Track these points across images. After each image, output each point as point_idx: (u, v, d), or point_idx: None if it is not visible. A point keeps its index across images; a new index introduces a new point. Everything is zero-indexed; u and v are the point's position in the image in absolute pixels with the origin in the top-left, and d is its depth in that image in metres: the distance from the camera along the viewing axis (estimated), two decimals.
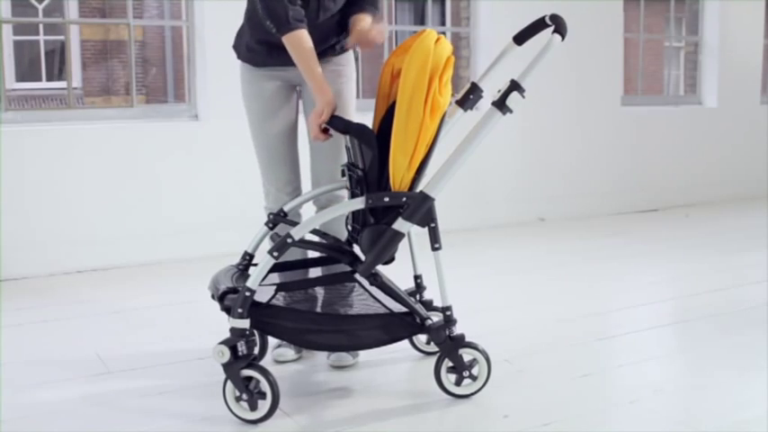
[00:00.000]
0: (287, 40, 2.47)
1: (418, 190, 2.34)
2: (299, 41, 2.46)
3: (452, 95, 2.41)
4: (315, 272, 2.78)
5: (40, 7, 14.36)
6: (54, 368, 2.73)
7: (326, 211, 2.37)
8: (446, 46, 2.33)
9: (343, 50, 2.73)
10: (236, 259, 2.63)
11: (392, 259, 2.43)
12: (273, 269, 2.53)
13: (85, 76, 14.86)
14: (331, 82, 2.62)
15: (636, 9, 6.18)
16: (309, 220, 2.33)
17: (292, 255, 2.68)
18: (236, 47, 2.77)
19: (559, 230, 5.20)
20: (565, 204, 5.59)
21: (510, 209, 5.36)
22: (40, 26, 14.69)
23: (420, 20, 13.28)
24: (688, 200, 6.18)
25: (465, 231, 4.98)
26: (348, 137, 2.47)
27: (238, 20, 2.75)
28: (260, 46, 2.65)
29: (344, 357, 2.71)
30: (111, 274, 4.04)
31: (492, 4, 5.19)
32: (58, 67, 15.27)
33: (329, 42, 2.66)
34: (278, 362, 2.73)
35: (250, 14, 2.65)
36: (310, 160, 2.76)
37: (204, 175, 4.36)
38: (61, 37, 14.13)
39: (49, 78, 15.08)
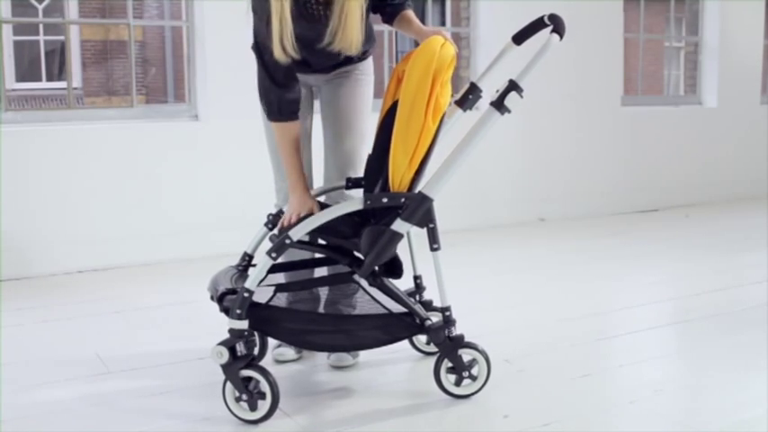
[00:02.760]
0: (274, 126, 2.49)
1: (417, 190, 2.34)
2: (283, 133, 2.47)
3: (452, 96, 2.41)
4: (316, 272, 2.78)
5: (40, 7, 14.37)
6: (54, 368, 2.73)
7: (326, 211, 2.37)
8: (450, 49, 2.32)
9: (363, 58, 2.73)
10: (237, 259, 2.63)
11: (400, 270, 2.43)
12: (275, 269, 2.54)
13: (85, 76, 14.87)
14: (350, 88, 2.65)
15: (636, 9, 6.18)
16: (309, 220, 2.32)
17: (299, 254, 2.68)
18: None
19: (559, 230, 5.20)
20: (565, 204, 5.59)
21: (510, 209, 5.36)
22: (40, 26, 14.71)
23: (420, 20, 13.27)
24: (688, 200, 6.18)
25: (465, 231, 4.98)
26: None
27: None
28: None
29: (344, 357, 2.71)
30: (111, 274, 4.04)
31: (492, 4, 5.19)
32: (58, 67, 15.28)
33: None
34: (278, 362, 2.73)
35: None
36: (324, 158, 2.76)
37: (204, 176, 4.37)
38: (61, 37, 14.14)
39: (49, 78, 15.09)
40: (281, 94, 2.44)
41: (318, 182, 2.80)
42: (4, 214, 3.92)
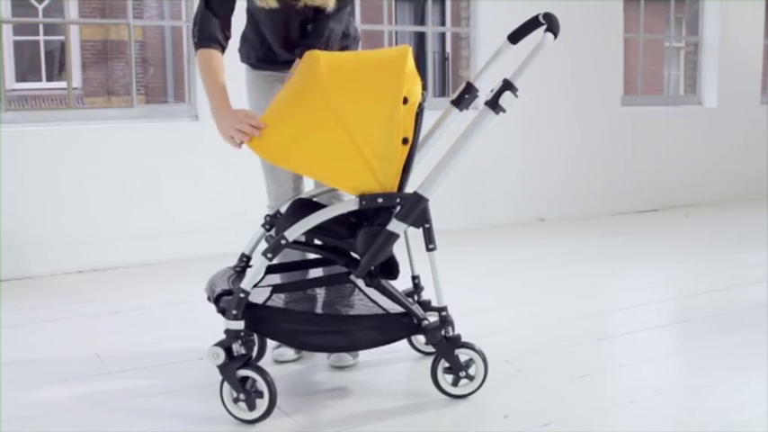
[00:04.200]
0: (198, 55, 2.48)
1: (412, 190, 2.33)
2: (204, 59, 2.47)
3: (425, 90, 2.39)
4: (313, 273, 2.78)
5: (40, 7, 14.37)
6: (54, 368, 2.73)
7: (321, 212, 2.35)
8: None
9: None
10: (236, 260, 2.63)
11: (396, 271, 2.42)
12: (272, 270, 2.54)
13: (85, 76, 14.87)
14: None
15: (636, 9, 6.18)
16: (305, 221, 2.31)
17: (296, 254, 2.68)
18: (240, 50, 2.78)
19: (559, 230, 5.20)
20: (565, 204, 5.59)
21: (510, 209, 5.36)
22: (40, 26, 14.70)
23: (420, 20, 13.27)
24: (688, 200, 6.18)
25: (464, 231, 4.98)
26: None
27: (237, 20, 2.75)
28: (266, 53, 2.68)
29: (345, 357, 2.71)
30: (111, 274, 4.04)
31: (492, 4, 5.19)
32: (57, 67, 15.28)
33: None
34: (278, 362, 2.73)
35: (253, 25, 2.69)
36: None
37: (204, 176, 4.37)
38: (61, 37, 14.14)
39: (49, 78, 15.09)
40: (209, 18, 2.47)
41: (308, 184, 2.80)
42: (4, 214, 3.93)
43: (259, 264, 2.27)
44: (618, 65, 5.78)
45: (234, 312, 2.25)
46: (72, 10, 13.85)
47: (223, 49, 2.50)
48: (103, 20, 15.59)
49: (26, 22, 17.11)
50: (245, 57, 2.76)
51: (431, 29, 5.49)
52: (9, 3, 6.01)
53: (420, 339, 2.81)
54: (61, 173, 4.05)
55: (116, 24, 15.00)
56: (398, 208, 2.30)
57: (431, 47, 5.67)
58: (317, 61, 2.25)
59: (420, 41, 12.43)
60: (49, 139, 4.05)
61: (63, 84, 14.64)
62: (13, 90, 13.98)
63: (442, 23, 12.89)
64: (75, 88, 14.25)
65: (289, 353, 2.76)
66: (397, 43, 13.13)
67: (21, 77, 14.69)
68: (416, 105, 2.26)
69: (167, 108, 7.20)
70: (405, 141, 2.25)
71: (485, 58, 5.22)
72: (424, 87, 2.33)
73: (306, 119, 2.23)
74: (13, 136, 3.96)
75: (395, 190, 2.29)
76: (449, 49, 13.31)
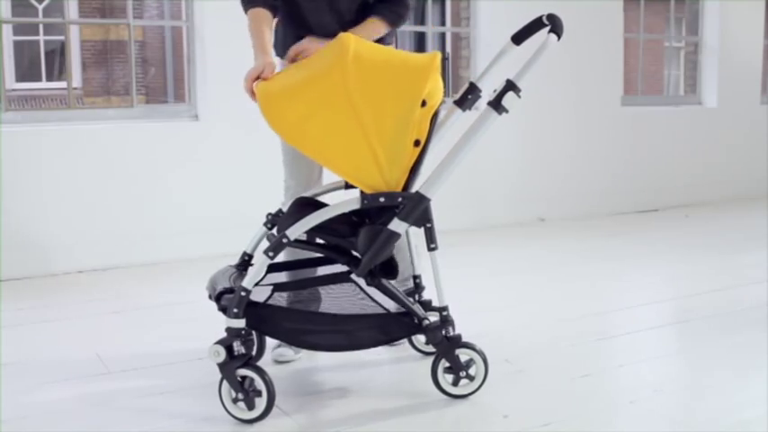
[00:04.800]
0: (249, 15, 2.56)
1: (414, 190, 2.33)
2: (254, 18, 2.55)
3: (445, 94, 2.40)
4: (315, 271, 2.78)
5: (40, 7, 14.37)
6: (54, 368, 2.73)
7: (323, 210, 2.35)
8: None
9: None
10: (236, 259, 2.63)
11: (396, 270, 2.42)
12: (274, 269, 2.54)
13: (85, 76, 14.87)
14: None
15: (636, 9, 6.18)
16: (306, 219, 2.30)
17: (300, 254, 2.68)
18: (275, 46, 2.77)
19: (559, 230, 5.20)
20: (565, 204, 5.59)
21: (510, 209, 5.36)
22: (40, 26, 14.70)
23: (420, 20, 13.28)
24: (688, 200, 6.18)
25: (464, 231, 4.98)
26: None
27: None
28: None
29: (286, 353, 2.73)
30: (111, 274, 4.04)
31: (492, 4, 5.19)
32: (57, 67, 15.28)
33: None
34: (277, 362, 2.73)
35: (288, 15, 2.69)
36: None
37: (204, 176, 4.36)
38: (61, 37, 14.14)
39: (49, 78, 15.09)
40: None
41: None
42: (4, 214, 3.92)
43: (260, 262, 2.27)
44: (618, 65, 5.78)
45: (235, 311, 2.25)
46: (72, 10, 13.86)
47: (271, 7, 2.56)
48: (103, 20, 15.59)
49: (26, 22, 17.11)
50: (282, 51, 2.73)
51: (431, 29, 5.48)
52: (9, 3, 6.02)
53: (420, 339, 2.81)
54: (61, 173, 4.05)
55: (116, 24, 15.00)
56: (400, 207, 2.30)
57: (431, 47, 5.67)
58: (346, 44, 2.22)
59: (420, 41, 12.43)
60: (48, 139, 4.05)
61: (63, 84, 14.64)
62: (13, 90, 13.98)
63: (442, 23, 12.89)
64: (75, 88, 14.25)
65: (289, 353, 2.76)
66: (397, 43, 13.15)
67: (21, 77, 14.69)
68: (434, 109, 2.27)
69: (167, 108, 7.21)
70: (416, 143, 2.25)
71: (485, 58, 5.23)
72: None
73: (320, 98, 2.21)
74: (13, 136, 3.96)
75: (399, 190, 2.29)
76: (449, 49, 13.31)
